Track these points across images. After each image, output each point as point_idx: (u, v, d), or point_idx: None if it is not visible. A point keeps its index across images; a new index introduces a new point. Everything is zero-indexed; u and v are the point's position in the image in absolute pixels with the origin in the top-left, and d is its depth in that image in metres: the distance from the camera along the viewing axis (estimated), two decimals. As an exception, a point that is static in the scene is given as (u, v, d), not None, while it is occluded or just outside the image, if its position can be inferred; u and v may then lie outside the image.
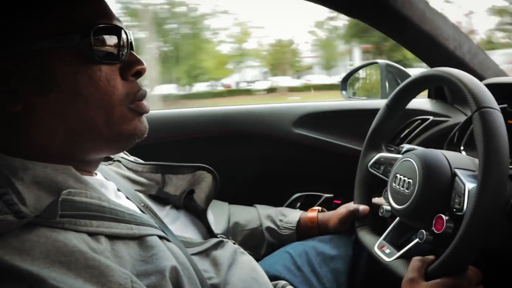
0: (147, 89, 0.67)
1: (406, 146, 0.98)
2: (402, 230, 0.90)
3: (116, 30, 0.61)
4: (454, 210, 0.74)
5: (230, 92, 18.99)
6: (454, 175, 0.77)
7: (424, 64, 1.24)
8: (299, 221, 1.07)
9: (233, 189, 1.35)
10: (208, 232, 0.84)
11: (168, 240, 0.63)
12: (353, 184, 1.07)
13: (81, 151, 0.62)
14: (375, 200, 1.05)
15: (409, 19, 1.05)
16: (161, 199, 0.83)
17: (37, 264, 0.45)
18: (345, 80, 1.57)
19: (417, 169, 0.81)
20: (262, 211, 1.11)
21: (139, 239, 0.58)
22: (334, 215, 1.06)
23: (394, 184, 0.88)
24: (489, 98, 0.71)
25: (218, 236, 0.81)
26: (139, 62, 0.64)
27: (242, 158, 1.37)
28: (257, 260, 0.95)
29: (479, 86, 0.73)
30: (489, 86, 0.76)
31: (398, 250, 0.84)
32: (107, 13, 0.62)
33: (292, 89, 17.33)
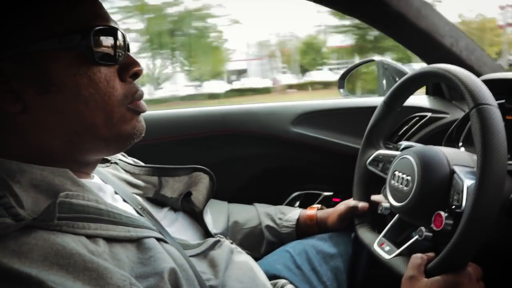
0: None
1: (404, 143, 0.99)
2: (402, 227, 0.90)
3: (114, 32, 0.62)
4: (453, 207, 0.74)
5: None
6: (453, 172, 0.77)
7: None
8: (298, 219, 1.07)
9: (232, 189, 1.35)
10: (206, 233, 0.83)
11: (165, 242, 0.63)
12: (352, 181, 1.07)
13: (80, 152, 0.62)
14: (374, 197, 1.05)
15: (405, 16, 1.05)
16: (159, 201, 0.83)
17: (36, 267, 0.45)
18: (343, 78, 1.57)
19: (416, 166, 0.81)
20: (261, 209, 1.11)
21: (137, 241, 0.58)
22: (333, 212, 1.06)
23: (392, 182, 0.88)
24: (487, 95, 0.71)
25: (215, 235, 0.81)
26: (136, 64, 0.65)
27: (241, 157, 1.37)
28: (257, 259, 0.95)
29: (476, 83, 0.73)
30: (486, 82, 0.75)
31: (398, 247, 0.84)
32: (103, 14, 0.63)
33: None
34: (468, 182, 0.73)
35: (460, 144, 1.05)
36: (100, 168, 0.77)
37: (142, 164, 0.89)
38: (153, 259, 0.56)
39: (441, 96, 1.39)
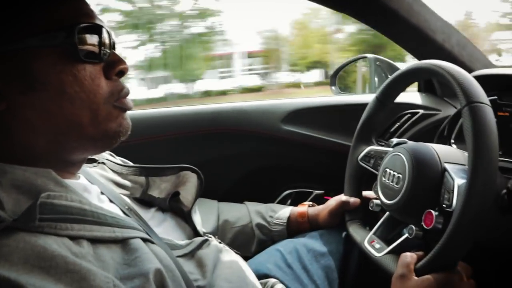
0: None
1: (396, 140, 0.98)
2: (392, 225, 0.89)
3: (99, 29, 0.61)
4: (444, 206, 0.73)
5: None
6: (444, 169, 0.76)
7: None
8: (289, 217, 1.06)
9: (223, 187, 1.34)
10: (194, 233, 0.82)
11: (152, 243, 0.62)
12: (343, 179, 1.06)
13: (66, 151, 0.61)
14: (366, 193, 1.04)
15: (396, 12, 1.05)
16: (146, 202, 0.82)
17: (16, 270, 0.44)
18: (334, 75, 1.56)
19: (407, 163, 0.80)
20: (252, 207, 1.10)
21: (122, 242, 0.57)
22: (324, 208, 1.05)
23: (383, 179, 0.87)
24: (479, 92, 0.70)
25: (205, 235, 0.80)
26: (122, 62, 0.64)
27: (231, 156, 1.36)
28: (248, 257, 0.94)
29: (468, 80, 0.72)
30: (478, 78, 0.75)
31: (388, 245, 0.83)
32: (88, 12, 0.62)
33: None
34: (459, 181, 0.72)
35: (452, 141, 1.04)
36: (86, 168, 0.76)
37: (130, 164, 0.88)
38: (138, 260, 0.55)
39: (433, 93, 1.38)
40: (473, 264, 0.73)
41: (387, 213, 0.90)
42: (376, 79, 1.47)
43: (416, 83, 1.43)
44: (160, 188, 0.83)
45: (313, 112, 1.36)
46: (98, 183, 0.73)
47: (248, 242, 1.06)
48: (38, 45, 0.56)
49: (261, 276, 0.88)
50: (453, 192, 0.71)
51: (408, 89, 0.99)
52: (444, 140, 1.05)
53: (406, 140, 0.93)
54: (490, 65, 1.19)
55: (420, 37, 1.12)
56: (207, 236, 0.79)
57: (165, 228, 0.77)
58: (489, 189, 0.65)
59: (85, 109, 0.59)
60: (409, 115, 1.31)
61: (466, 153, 0.77)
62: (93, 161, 0.82)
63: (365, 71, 1.53)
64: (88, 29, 0.60)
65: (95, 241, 0.54)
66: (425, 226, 0.73)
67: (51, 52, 0.57)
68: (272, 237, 1.05)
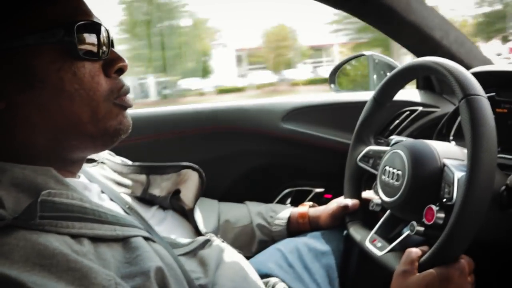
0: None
1: (394, 138, 0.98)
2: (393, 223, 0.89)
3: (97, 27, 0.62)
4: (444, 200, 0.73)
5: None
6: (443, 165, 0.77)
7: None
8: (290, 217, 1.06)
9: (223, 187, 1.34)
10: (196, 232, 0.82)
11: (153, 241, 0.62)
12: (343, 178, 1.06)
13: (66, 149, 0.61)
14: (365, 194, 1.04)
15: (394, 9, 1.04)
16: (147, 200, 0.82)
17: (16, 268, 0.44)
18: (334, 73, 1.56)
19: (406, 160, 0.80)
20: (252, 208, 1.10)
21: (123, 240, 0.57)
22: (325, 210, 1.05)
23: (383, 177, 0.87)
24: (475, 86, 0.70)
25: (206, 234, 0.80)
26: (121, 59, 0.64)
27: (231, 155, 1.36)
28: (249, 257, 0.94)
29: (465, 74, 0.73)
30: (476, 74, 0.75)
31: (390, 243, 0.83)
32: (86, 10, 0.62)
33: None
34: (458, 174, 0.72)
35: (451, 138, 1.04)
36: (87, 167, 0.76)
37: (130, 163, 0.88)
38: (139, 258, 0.55)
39: (432, 90, 1.38)
40: (473, 261, 0.74)
41: (388, 212, 0.90)
42: (374, 76, 1.47)
43: (414, 81, 1.43)
44: (160, 186, 0.83)
45: (313, 111, 1.36)
46: (99, 182, 0.73)
47: (249, 243, 1.06)
48: (37, 43, 0.56)
49: (262, 275, 0.88)
50: (453, 185, 0.72)
51: (406, 86, 0.99)
52: (443, 137, 1.05)
53: (405, 138, 0.94)
54: (488, 62, 1.19)
55: (418, 34, 1.12)
56: (209, 235, 0.79)
57: (166, 226, 0.77)
58: (489, 176, 0.65)
59: (84, 106, 0.59)
60: (408, 112, 1.31)
61: (465, 150, 0.77)
62: (93, 161, 0.82)
63: (364, 68, 1.53)
64: (86, 26, 0.60)
65: (96, 239, 0.54)
66: (426, 222, 0.73)
67: (50, 50, 0.57)
68: (272, 238, 1.05)
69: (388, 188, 0.84)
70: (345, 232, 1.00)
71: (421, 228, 0.75)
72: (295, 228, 1.06)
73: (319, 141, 1.33)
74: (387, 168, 0.86)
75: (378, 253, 0.83)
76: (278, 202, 1.38)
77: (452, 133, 1.04)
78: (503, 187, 0.75)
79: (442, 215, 0.72)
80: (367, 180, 1.03)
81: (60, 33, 0.57)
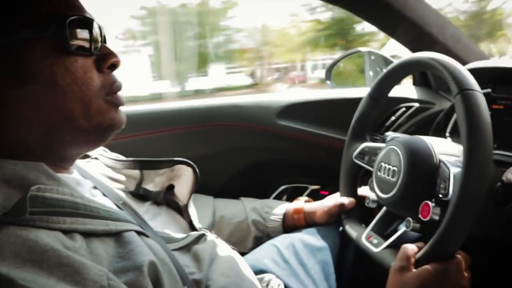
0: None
1: (390, 135, 0.98)
2: (389, 220, 0.89)
3: (89, 22, 0.61)
4: (440, 196, 0.73)
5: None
6: (439, 161, 0.76)
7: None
8: (285, 213, 1.06)
9: (218, 183, 1.34)
10: (190, 227, 0.82)
11: (146, 236, 0.62)
12: (339, 174, 1.06)
13: (59, 145, 0.61)
14: (361, 191, 1.04)
15: (390, 4, 1.04)
16: (141, 195, 0.81)
17: (6, 265, 0.44)
18: (330, 69, 1.56)
19: (402, 156, 0.80)
20: (247, 204, 1.10)
21: (116, 235, 0.57)
22: (320, 207, 1.05)
23: (379, 173, 0.87)
24: (471, 81, 0.70)
25: (200, 230, 0.80)
26: (114, 55, 0.64)
27: (226, 151, 1.35)
28: (244, 253, 0.94)
29: (460, 69, 0.72)
30: (472, 70, 0.75)
31: (386, 240, 0.83)
32: (78, 6, 0.62)
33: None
34: (454, 169, 0.72)
35: (447, 134, 1.04)
36: (80, 163, 0.76)
37: (124, 158, 0.87)
38: (132, 253, 0.55)
39: (428, 86, 1.38)
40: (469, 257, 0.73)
41: (384, 208, 0.90)
42: (370, 73, 1.47)
43: (411, 77, 1.43)
44: (154, 181, 0.82)
45: (308, 107, 1.36)
46: (92, 178, 0.73)
47: (244, 238, 1.05)
48: (29, 38, 0.56)
49: (257, 271, 0.87)
50: (449, 181, 0.71)
51: (403, 82, 0.98)
52: (439, 133, 1.06)
53: (400, 134, 0.93)
54: (484, 58, 1.19)
55: (414, 30, 1.12)
56: (203, 231, 0.79)
57: (160, 222, 0.77)
58: (485, 172, 0.65)
59: (77, 101, 0.59)
60: (404, 109, 1.30)
61: (461, 146, 0.77)
62: (87, 156, 0.82)
63: (360, 65, 1.53)
64: (79, 22, 0.60)
65: (88, 234, 0.54)
66: (422, 218, 0.73)
67: (43, 45, 0.57)
68: (268, 233, 1.05)
69: (384, 184, 0.84)
70: (340, 228, 1.00)
71: (417, 224, 0.75)
72: (290, 224, 1.05)
73: (314, 138, 1.33)
74: (383, 164, 0.86)
75: (374, 249, 0.83)
76: (274, 198, 1.38)
77: (448, 129, 1.04)
78: (499, 184, 0.75)
79: (438, 211, 0.72)
80: (362, 176, 1.03)
81: (52, 28, 0.57)
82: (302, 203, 1.09)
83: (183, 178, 0.83)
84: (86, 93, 0.60)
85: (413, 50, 1.20)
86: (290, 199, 1.29)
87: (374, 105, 1.00)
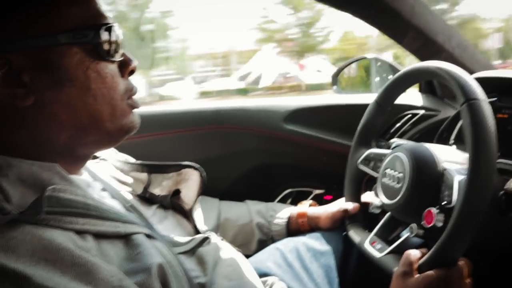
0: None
1: (396, 141, 0.98)
2: (393, 225, 0.90)
3: (117, 29, 0.64)
4: (444, 203, 0.74)
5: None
6: (444, 168, 0.77)
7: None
8: (289, 217, 1.07)
9: (224, 186, 1.35)
10: (195, 232, 0.83)
11: (154, 239, 0.63)
12: (344, 179, 1.07)
13: (82, 145, 0.63)
14: (365, 196, 1.05)
15: (398, 12, 1.05)
16: (148, 199, 0.82)
17: (23, 262, 0.45)
18: (336, 75, 1.57)
19: (407, 163, 0.80)
20: (252, 207, 1.11)
21: (125, 237, 0.58)
22: (325, 212, 1.05)
23: (384, 179, 0.87)
24: (477, 90, 0.71)
25: (204, 232, 0.81)
26: (133, 61, 0.67)
27: (233, 154, 1.36)
28: (248, 256, 0.94)
29: (467, 79, 0.73)
30: (478, 80, 0.75)
31: (389, 245, 0.83)
32: (105, 13, 0.64)
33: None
34: (459, 177, 0.73)
35: (452, 142, 1.05)
36: (89, 165, 0.77)
37: (133, 160, 0.88)
38: (141, 255, 0.56)
39: (433, 94, 1.39)
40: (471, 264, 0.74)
41: (388, 214, 0.90)
42: (377, 79, 1.47)
43: (417, 84, 1.43)
44: (161, 185, 0.83)
45: (315, 112, 1.36)
46: (100, 180, 0.74)
47: (248, 241, 1.06)
48: (69, 42, 0.58)
49: (261, 274, 0.88)
50: (453, 189, 0.72)
51: (408, 90, 0.99)
52: (443, 141, 1.06)
53: (406, 141, 0.94)
54: (491, 67, 1.20)
55: (421, 38, 1.12)
56: (208, 234, 0.80)
57: (166, 225, 0.77)
58: (489, 180, 0.66)
59: (106, 104, 0.61)
60: (409, 115, 1.31)
61: (466, 154, 0.78)
62: (95, 157, 0.83)
63: (367, 71, 1.54)
64: (110, 28, 0.62)
65: (99, 236, 0.55)
66: (425, 225, 0.74)
67: (79, 50, 0.59)
68: (272, 237, 1.06)
69: (389, 190, 0.85)
70: (344, 232, 1.01)
71: (421, 231, 0.76)
72: (294, 227, 1.06)
73: (320, 143, 1.34)
74: (388, 170, 0.87)
75: (378, 254, 0.84)
76: (279, 202, 1.38)
77: (453, 137, 1.04)
78: (502, 192, 0.75)
79: (441, 218, 0.72)
80: (367, 182, 1.04)
81: (90, 34, 0.59)
82: (306, 207, 1.09)
83: (190, 182, 0.83)
84: (113, 97, 0.62)
85: (420, 57, 1.20)
86: (295, 202, 1.30)
87: (380, 112, 1.00)
